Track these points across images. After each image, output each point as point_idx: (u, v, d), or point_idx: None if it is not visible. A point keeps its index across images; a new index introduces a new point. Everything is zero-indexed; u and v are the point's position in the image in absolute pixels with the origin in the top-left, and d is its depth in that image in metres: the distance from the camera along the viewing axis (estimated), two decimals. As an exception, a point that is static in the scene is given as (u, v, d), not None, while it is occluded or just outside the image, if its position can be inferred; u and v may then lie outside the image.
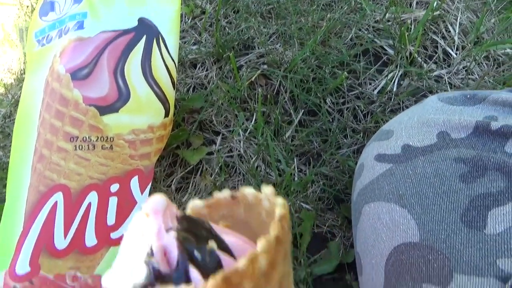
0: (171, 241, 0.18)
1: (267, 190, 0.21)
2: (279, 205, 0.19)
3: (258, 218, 0.22)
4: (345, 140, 0.56)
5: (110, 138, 0.39)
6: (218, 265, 0.18)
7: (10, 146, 0.59)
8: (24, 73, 0.60)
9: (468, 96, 0.42)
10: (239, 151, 0.56)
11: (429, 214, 0.37)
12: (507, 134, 0.37)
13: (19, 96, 0.61)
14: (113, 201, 0.38)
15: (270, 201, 0.21)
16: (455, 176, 0.37)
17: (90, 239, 0.37)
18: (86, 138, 0.38)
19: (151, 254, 0.18)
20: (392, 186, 0.40)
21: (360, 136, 0.56)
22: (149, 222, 0.18)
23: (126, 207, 0.39)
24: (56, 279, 0.36)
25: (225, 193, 0.22)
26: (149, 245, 0.18)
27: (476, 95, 0.42)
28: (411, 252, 0.37)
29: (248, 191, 0.22)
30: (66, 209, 0.37)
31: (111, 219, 0.38)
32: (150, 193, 0.44)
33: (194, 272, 0.17)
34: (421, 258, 0.36)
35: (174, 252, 0.18)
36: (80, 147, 0.38)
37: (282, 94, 0.58)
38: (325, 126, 0.57)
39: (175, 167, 0.56)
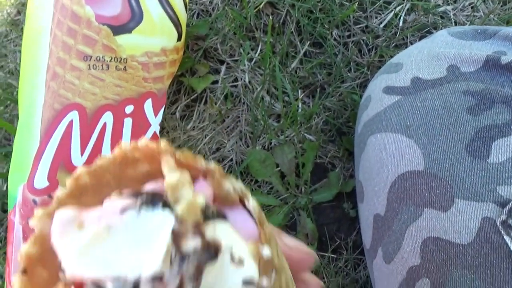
0: None
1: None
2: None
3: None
4: (349, 74, 0.57)
5: (124, 59, 0.38)
6: None
7: (7, 66, 0.57)
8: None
9: (479, 31, 0.43)
10: (244, 80, 0.56)
11: (435, 144, 0.38)
12: (517, 68, 0.38)
13: (15, 15, 0.59)
14: (128, 122, 0.39)
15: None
16: (463, 108, 0.38)
17: (106, 158, 0.38)
18: (100, 57, 0.37)
19: None
20: (399, 117, 0.41)
21: (364, 70, 0.57)
22: None
23: (141, 128, 0.39)
24: (73, 195, 0.37)
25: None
26: None
27: (487, 30, 0.42)
28: (415, 180, 0.39)
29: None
30: (82, 127, 0.37)
31: (126, 140, 0.39)
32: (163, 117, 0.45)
33: None
34: (425, 185, 0.38)
35: None
36: (94, 66, 0.37)
37: (288, 25, 0.57)
38: (330, 60, 0.57)
39: (179, 94, 0.56)
